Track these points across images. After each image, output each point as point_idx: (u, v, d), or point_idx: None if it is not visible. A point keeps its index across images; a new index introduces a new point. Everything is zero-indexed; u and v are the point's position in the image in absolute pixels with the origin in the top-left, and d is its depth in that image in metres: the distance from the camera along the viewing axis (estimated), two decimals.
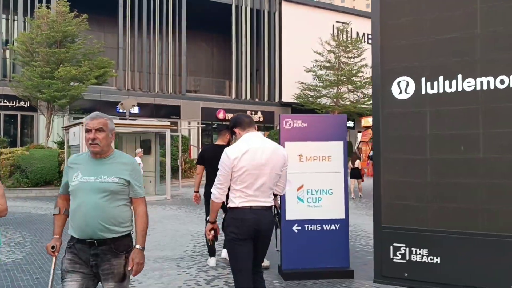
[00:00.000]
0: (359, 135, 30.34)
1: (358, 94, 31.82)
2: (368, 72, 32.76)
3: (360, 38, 33.55)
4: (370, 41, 37.54)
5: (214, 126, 32.17)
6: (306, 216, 5.28)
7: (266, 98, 34.13)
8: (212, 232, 3.47)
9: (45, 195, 16.67)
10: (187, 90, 32.01)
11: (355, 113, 31.73)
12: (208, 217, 3.68)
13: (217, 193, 3.30)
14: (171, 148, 16.25)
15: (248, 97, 33.52)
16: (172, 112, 29.78)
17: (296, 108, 33.21)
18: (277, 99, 34.17)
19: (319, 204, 5.31)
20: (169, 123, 15.21)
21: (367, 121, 30.46)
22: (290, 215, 5.27)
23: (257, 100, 33.99)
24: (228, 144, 5.55)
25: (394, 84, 4.84)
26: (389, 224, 4.47)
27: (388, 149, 4.72)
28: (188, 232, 8.56)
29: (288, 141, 5.29)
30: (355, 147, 31.14)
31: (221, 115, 31.75)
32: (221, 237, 4.60)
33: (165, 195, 14.78)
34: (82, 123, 14.09)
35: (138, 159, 14.07)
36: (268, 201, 3.35)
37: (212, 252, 5.97)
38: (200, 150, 6.40)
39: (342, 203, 5.34)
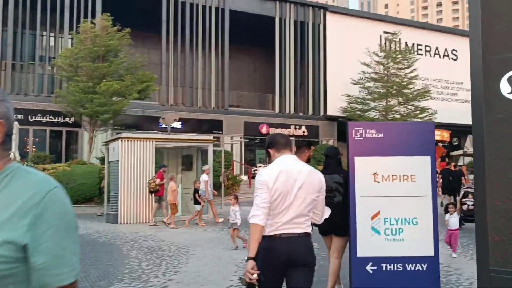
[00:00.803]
0: None
1: (409, 107, 30.08)
2: (419, 84, 31.13)
3: (410, 48, 31.83)
4: (420, 51, 35.97)
5: (257, 141, 31.27)
6: (383, 252, 4.12)
7: (310, 112, 32.96)
8: (257, 272, 2.86)
9: (85, 212, 16.16)
10: (229, 104, 31.37)
11: None
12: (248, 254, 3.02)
13: (261, 213, 2.91)
14: (213, 164, 15.38)
15: (292, 111, 32.48)
16: (215, 127, 29.15)
17: (343, 122, 31.79)
18: (322, 113, 32.92)
19: (400, 237, 4.14)
20: (211, 138, 14.38)
21: None
22: (362, 250, 4.14)
23: (301, 114, 32.87)
24: (307, 162, 5.03)
25: (504, 81, 3.63)
26: (500, 267, 3.26)
27: (496, 167, 3.50)
28: (232, 260, 7.54)
29: (358, 156, 4.19)
30: None
31: (264, 130, 30.83)
32: None
33: (206, 213, 13.87)
34: (122, 138, 13.47)
35: (205, 177, 13.21)
36: (303, 228, 3.04)
37: None
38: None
39: (431, 236, 4.15)
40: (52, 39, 27.86)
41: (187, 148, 15.27)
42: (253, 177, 24.78)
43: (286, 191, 2.98)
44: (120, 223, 12.85)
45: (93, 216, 15.02)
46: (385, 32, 34.38)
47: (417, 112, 29.69)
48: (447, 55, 38.82)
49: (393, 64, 29.97)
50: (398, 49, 31.10)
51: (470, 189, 11.76)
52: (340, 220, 4.49)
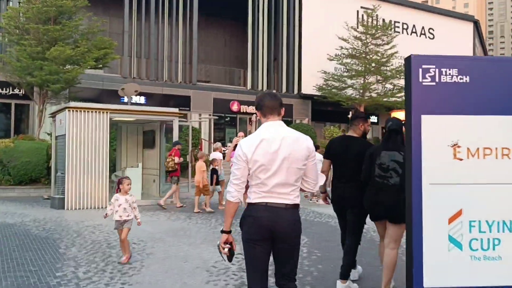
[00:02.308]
0: None
1: (387, 85, 28.76)
2: (395, 63, 29.81)
3: (388, 24, 30.29)
4: (397, 29, 34.61)
5: (228, 119, 29.34)
6: (469, 279, 2.40)
7: (284, 90, 31.19)
8: (228, 246, 2.88)
9: (30, 195, 13.97)
10: (198, 79, 29.21)
11: (384, 106, 28.69)
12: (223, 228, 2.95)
13: (233, 191, 2.84)
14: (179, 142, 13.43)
15: (265, 88, 30.60)
16: (182, 103, 26.88)
17: (318, 101, 30.23)
18: (296, 91, 31.23)
19: (495, 254, 2.43)
20: (177, 110, 12.42)
21: (398, 115, 27.48)
22: (433, 277, 2.40)
23: (274, 91, 31.03)
24: (363, 137, 4.70)
25: None
26: None
27: None
28: (202, 264, 5.73)
29: (428, 114, 2.42)
30: None
31: (235, 107, 28.89)
32: None
33: (171, 198, 11.98)
34: (70, 107, 11.34)
35: (219, 155, 11.60)
36: (290, 199, 2.84)
37: None
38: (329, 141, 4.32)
39: None
40: None
41: (149, 122, 13.26)
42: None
43: (268, 160, 2.81)
44: (67, 209, 10.81)
45: (38, 200, 12.89)
46: (362, 7, 32.82)
47: (396, 91, 28.42)
48: (424, 34, 37.68)
49: (371, 40, 28.48)
50: (376, 24, 29.56)
51: None
52: (395, 205, 3.91)
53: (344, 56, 28.56)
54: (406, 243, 2.57)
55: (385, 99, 28.30)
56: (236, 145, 5.09)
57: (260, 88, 30.37)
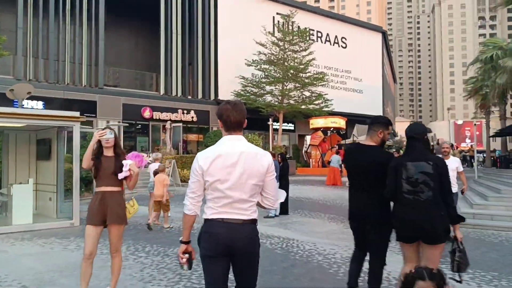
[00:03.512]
0: (308, 138, 26.96)
1: (305, 92, 28.50)
2: (311, 71, 29.75)
3: (306, 30, 30.14)
4: (312, 36, 34.72)
5: (139, 126, 27.16)
6: None
7: (200, 95, 29.75)
8: (186, 255, 2.86)
9: None
10: (105, 83, 26.80)
11: (302, 113, 28.36)
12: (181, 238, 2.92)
13: (189, 204, 2.82)
14: (81, 151, 11.43)
15: (179, 93, 28.92)
16: (87, 109, 24.36)
17: None
18: (212, 97, 29.91)
19: None
20: (77, 114, 10.46)
21: (317, 122, 27.24)
22: None
23: (189, 97, 29.48)
24: (381, 146, 4.15)
25: None
26: None
27: None
28: None
29: None
30: (303, 151, 27.72)
31: (147, 114, 26.84)
32: None
33: (71, 219, 9.98)
34: None
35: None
36: (246, 214, 2.77)
37: None
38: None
39: None
40: None
41: (44, 129, 11.10)
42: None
43: (224, 175, 2.75)
44: None
45: None
46: (278, 14, 32.48)
47: (313, 98, 28.24)
48: (337, 43, 38.39)
49: (289, 46, 28.08)
50: (293, 30, 29.25)
51: None
52: (431, 223, 3.57)
53: (262, 62, 27.84)
54: None
55: (303, 106, 27.95)
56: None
57: (174, 93, 28.62)
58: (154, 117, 27.05)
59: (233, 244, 2.72)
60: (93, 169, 4.39)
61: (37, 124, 10.55)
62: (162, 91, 28.51)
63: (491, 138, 28.98)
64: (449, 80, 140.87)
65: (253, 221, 2.80)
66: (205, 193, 2.82)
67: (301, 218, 10.99)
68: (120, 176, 4.34)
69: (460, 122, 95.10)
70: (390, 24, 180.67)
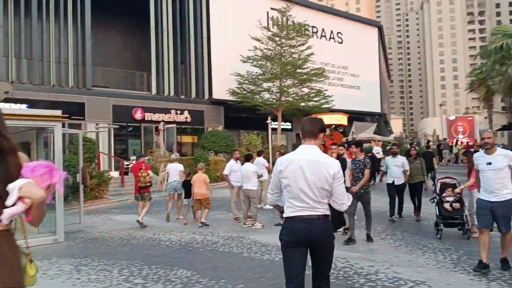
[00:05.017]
0: None
1: (304, 89, 27.27)
2: (313, 65, 28.50)
3: (303, 24, 28.83)
4: (307, 32, 33.46)
5: (130, 128, 25.76)
6: None
7: (194, 95, 28.40)
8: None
9: None
10: (94, 84, 25.36)
11: (301, 111, 27.12)
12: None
13: (270, 198, 3.47)
14: (65, 156, 10.13)
15: (172, 93, 27.56)
16: (75, 111, 22.82)
17: (232, 107, 27.85)
18: (207, 96, 28.59)
19: None
20: (58, 113, 9.12)
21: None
22: None
23: (183, 97, 28.13)
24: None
25: None
26: None
27: None
28: None
29: None
30: None
31: (138, 115, 25.42)
32: None
33: (54, 234, 8.66)
34: None
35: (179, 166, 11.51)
36: (320, 211, 3.23)
37: None
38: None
39: None
40: None
41: (22, 131, 9.75)
42: (126, 173, 19.55)
43: (294, 178, 3.22)
44: None
45: None
46: (272, 9, 31.21)
47: (313, 94, 27.03)
48: (333, 38, 37.24)
49: (285, 41, 26.84)
50: (289, 24, 27.97)
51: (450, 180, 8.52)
52: None
53: (258, 58, 26.57)
54: None
55: (302, 104, 26.71)
56: None
57: (166, 93, 27.27)
58: (146, 118, 25.66)
59: (310, 236, 3.17)
60: None
61: (12, 125, 9.16)
62: (154, 91, 27.13)
63: (498, 132, 27.87)
64: (439, 76, 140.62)
65: (326, 216, 3.25)
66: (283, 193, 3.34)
67: None
68: (5, 216, 1.99)
69: (452, 117, 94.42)
70: (379, 22, 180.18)
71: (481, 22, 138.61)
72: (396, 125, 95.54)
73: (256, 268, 6.06)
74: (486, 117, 28.82)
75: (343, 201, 3.25)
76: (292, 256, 3.19)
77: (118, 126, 23.78)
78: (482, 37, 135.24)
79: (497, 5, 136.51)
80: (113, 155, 23.43)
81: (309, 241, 3.18)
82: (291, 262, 3.20)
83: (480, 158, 5.72)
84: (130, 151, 25.20)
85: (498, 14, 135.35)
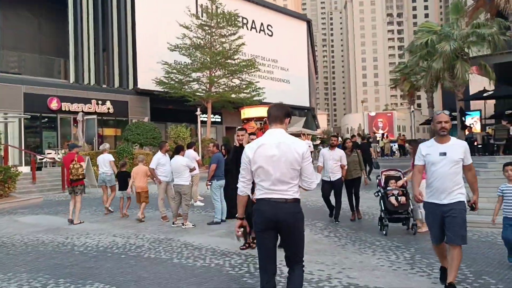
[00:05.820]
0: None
1: (235, 80, 26.47)
2: (243, 57, 27.77)
3: (233, 13, 27.92)
4: (237, 23, 32.69)
5: (45, 119, 23.47)
6: None
7: (117, 84, 26.58)
8: (241, 229, 3.47)
9: None
10: (2, 70, 22.79)
11: (231, 103, 26.30)
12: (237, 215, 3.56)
13: (240, 186, 3.43)
14: None
15: (93, 82, 25.55)
16: None
17: (158, 98, 26.38)
18: (131, 86, 26.87)
19: None
20: None
21: (248, 112, 25.28)
22: None
23: (104, 86, 26.21)
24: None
25: None
26: None
27: None
28: None
29: None
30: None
31: (54, 105, 23.20)
32: None
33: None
34: None
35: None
36: (288, 194, 3.28)
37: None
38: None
39: None
40: None
41: None
42: (38, 169, 17.62)
43: (265, 162, 3.27)
44: None
45: None
46: None
47: (244, 86, 26.32)
48: (263, 30, 36.79)
49: (215, 30, 25.85)
50: (219, 13, 26.99)
51: (394, 172, 8.09)
52: None
53: (187, 46, 25.34)
54: None
55: (233, 95, 25.91)
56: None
57: (86, 82, 25.23)
58: (63, 109, 23.49)
59: (277, 218, 3.24)
60: None
61: None
62: (72, 79, 24.98)
63: (420, 127, 28.89)
64: (361, 74, 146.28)
65: (296, 200, 3.31)
66: (254, 178, 3.38)
67: None
68: None
69: (373, 113, 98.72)
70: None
71: (399, 23, 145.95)
72: (321, 120, 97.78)
73: (189, 278, 5.15)
74: (412, 111, 29.73)
75: (312, 179, 3.34)
76: (263, 241, 3.28)
77: (29, 116, 21.50)
78: (400, 38, 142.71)
79: (414, 8, 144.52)
80: (23, 148, 21.16)
81: (276, 224, 3.23)
82: (262, 248, 3.29)
83: (430, 148, 4.47)
84: (44, 144, 22.96)
85: (414, 16, 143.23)
